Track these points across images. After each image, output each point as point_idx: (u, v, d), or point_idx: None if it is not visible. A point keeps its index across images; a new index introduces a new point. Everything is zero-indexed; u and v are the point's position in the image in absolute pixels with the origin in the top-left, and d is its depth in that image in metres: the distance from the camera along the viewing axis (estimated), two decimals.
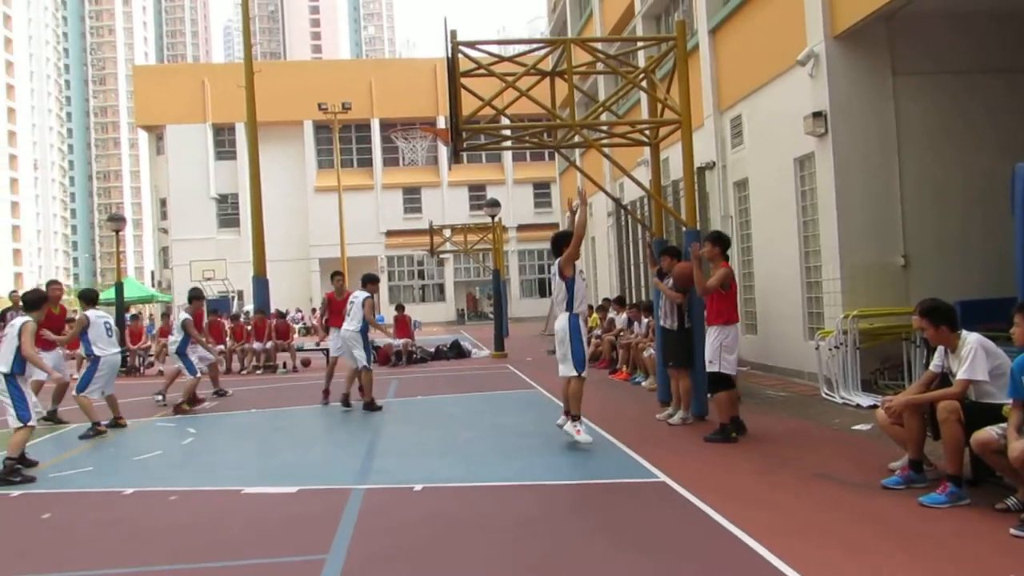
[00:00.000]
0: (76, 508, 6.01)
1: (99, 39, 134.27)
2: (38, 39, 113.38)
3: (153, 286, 49.03)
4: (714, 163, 14.11)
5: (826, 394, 9.48)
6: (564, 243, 7.48)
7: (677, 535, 4.75)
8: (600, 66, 11.41)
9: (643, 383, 11.57)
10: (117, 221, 21.17)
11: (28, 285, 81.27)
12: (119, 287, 20.10)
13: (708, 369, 7.52)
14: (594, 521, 5.12)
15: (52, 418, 10.33)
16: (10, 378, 6.88)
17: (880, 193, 10.01)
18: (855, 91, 10.04)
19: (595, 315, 16.87)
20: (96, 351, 9.13)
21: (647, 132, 10.02)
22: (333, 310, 11.86)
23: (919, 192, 10.02)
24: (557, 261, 7.52)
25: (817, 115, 10.09)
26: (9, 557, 4.81)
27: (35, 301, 7.61)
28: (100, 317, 9.35)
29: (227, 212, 46.71)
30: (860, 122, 10.02)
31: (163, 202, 48.00)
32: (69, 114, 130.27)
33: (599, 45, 14.28)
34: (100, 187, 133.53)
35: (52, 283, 10.96)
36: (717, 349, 7.41)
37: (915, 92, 10.08)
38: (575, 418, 7.35)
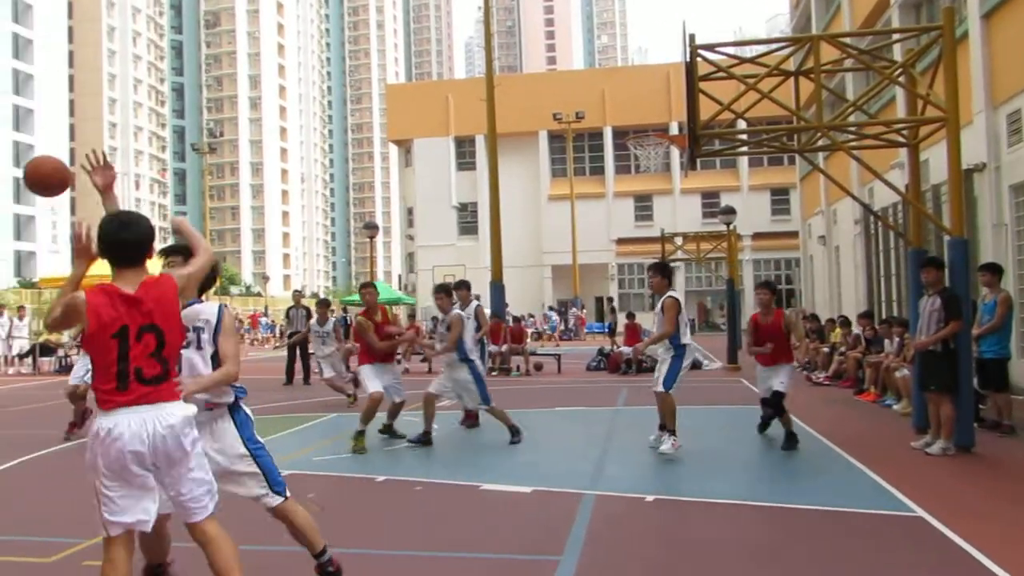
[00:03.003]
0: (336, 490, 6.56)
1: (356, 62, 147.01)
2: (306, 65, 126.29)
3: (400, 289, 52.62)
4: (985, 164, 12.70)
5: None
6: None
7: None
8: (849, 62, 10.69)
9: (895, 407, 10.63)
10: (371, 229, 22.96)
11: (294, 287, 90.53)
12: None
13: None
14: (838, 552, 4.76)
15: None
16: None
17: None
18: None
19: (837, 329, 15.81)
20: None
21: (905, 132, 9.23)
22: None
23: None
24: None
25: None
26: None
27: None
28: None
29: (466, 220, 49.13)
30: None
31: (410, 211, 51.43)
32: (331, 131, 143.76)
33: (848, 40, 13.40)
34: (355, 197, 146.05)
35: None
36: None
37: None
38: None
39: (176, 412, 3.20)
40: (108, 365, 3.10)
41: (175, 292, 3.25)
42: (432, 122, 48.93)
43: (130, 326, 3.11)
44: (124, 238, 3.19)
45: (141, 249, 3.23)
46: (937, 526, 5.12)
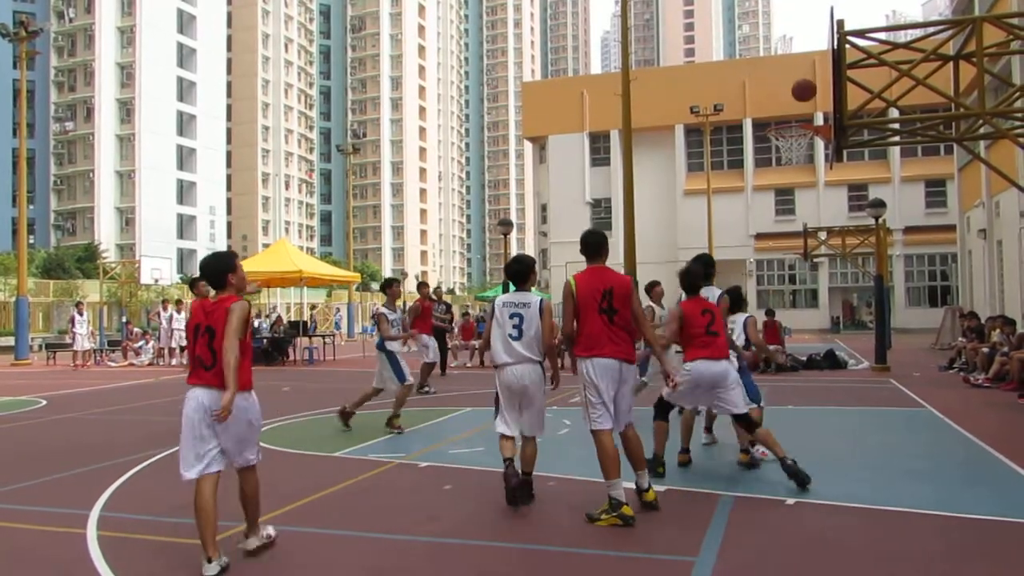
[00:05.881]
0: (471, 483, 6.70)
1: (493, 60, 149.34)
2: (445, 65, 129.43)
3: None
4: None
5: None
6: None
7: None
8: (1016, 44, 9.96)
9: None
10: (506, 225, 23.25)
11: (432, 283, 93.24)
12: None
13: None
14: (1012, 568, 4.46)
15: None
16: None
17: None
18: None
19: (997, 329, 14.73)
20: None
21: None
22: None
23: None
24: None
25: None
26: (421, 520, 5.53)
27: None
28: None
29: (600, 216, 48.94)
30: None
31: (543, 207, 51.77)
32: (467, 130, 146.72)
33: (1015, 21, 12.45)
34: (490, 195, 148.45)
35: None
36: None
37: None
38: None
39: None
40: None
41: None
42: (567, 118, 49.06)
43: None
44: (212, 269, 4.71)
45: (218, 277, 4.67)
46: None
